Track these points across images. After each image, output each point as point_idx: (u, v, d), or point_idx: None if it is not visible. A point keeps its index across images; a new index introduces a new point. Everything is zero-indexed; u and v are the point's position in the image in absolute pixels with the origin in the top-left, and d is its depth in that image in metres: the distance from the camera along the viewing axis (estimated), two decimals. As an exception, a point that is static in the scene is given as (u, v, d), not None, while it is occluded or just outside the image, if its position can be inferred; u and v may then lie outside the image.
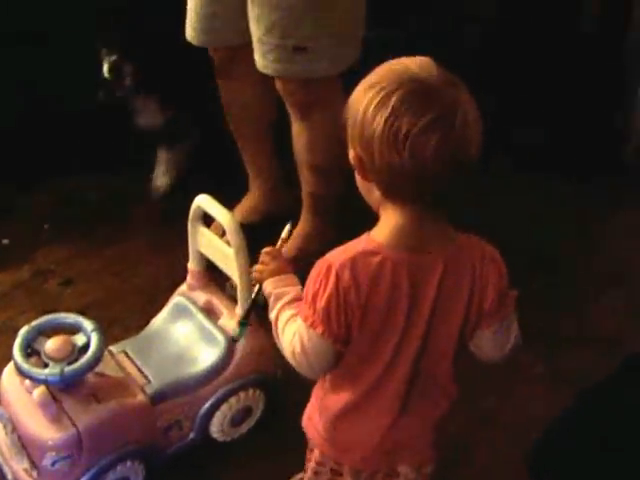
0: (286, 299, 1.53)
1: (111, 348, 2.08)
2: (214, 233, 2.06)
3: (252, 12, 2.25)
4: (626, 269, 2.73)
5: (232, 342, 2.02)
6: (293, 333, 1.46)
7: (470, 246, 1.46)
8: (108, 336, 2.34)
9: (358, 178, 1.43)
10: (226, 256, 2.00)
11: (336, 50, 2.26)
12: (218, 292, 2.15)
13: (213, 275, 2.15)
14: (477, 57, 3.11)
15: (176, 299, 2.16)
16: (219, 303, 2.12)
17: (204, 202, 2.02)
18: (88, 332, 1.89)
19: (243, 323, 1.90)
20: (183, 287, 2.17)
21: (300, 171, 2.51)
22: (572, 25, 3.18)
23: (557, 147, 3.13)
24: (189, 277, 2.15)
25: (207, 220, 2.08)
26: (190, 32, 2.46)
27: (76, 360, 1.85)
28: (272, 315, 1.53)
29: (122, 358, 2.06)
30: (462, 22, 3.29)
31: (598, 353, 2.38)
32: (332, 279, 1.39)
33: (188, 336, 2.09)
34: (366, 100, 1.34)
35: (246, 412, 2.11)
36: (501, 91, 3.00)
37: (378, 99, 1.32)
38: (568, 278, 2.68)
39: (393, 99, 1.31)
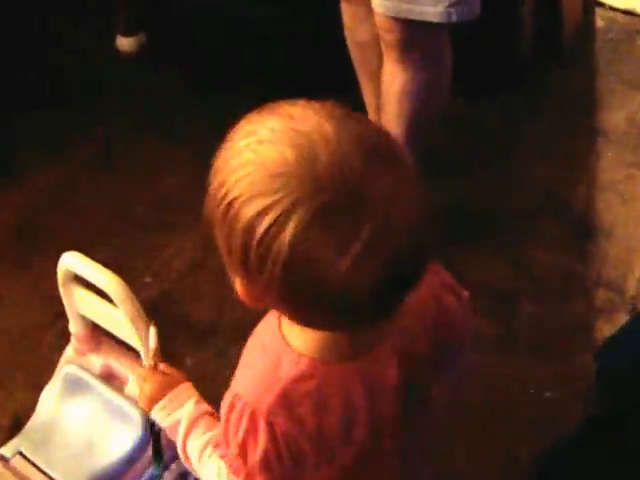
0: (183, 428, 1.22)
1: (2, 452, 1.69)
2: None
3: None
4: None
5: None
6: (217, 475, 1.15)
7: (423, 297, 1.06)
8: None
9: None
10: (116, 319, 1.58)
11: None
12: (116, 350, 1.73)
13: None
14: None
15: (65, 369, 1.74)
16: (120, 366, 1.71)
17: (71, 263, 1.58)
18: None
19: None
20: (70, 351, 1.75)
21: (383, 118, 2.26)
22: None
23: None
24: (74, 340, 1.73)
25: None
26: None
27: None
28: (178, 446, 1.23)
29: (19, 462, 1.68)
30: None
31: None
32: (263, 431, 1.02)
33: (93, 416, 1.70)
34: (249, 217, 0.87)
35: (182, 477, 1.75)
36: None
37: (269, 221, 0.86)
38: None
39: (292, 223, 0.85)
